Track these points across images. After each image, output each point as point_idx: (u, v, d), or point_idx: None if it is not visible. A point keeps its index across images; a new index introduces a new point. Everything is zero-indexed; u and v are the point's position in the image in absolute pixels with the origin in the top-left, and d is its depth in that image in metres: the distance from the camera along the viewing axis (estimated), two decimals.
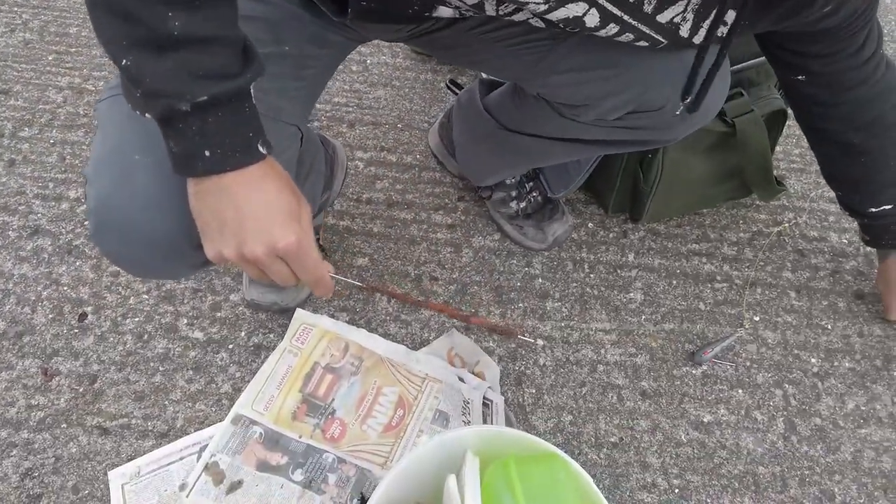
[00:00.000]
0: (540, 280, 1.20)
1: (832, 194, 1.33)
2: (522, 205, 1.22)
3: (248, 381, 1.00)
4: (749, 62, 1.08)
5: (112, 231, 0.65)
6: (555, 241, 1.21)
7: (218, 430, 0.96)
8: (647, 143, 0.91)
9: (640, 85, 0.79)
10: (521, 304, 1.16)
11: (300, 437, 0.96)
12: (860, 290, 1.20)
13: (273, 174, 0.62)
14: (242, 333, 1.08)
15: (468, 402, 1.00)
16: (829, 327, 1.15)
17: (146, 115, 0.57)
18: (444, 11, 0.74)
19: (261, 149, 0.60)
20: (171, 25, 0.53)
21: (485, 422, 0.99)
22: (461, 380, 1.02)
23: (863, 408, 1.06)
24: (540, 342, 1.11)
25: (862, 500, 0.97)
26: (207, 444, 0.94)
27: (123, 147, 0.64)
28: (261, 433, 0.96)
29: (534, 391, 1.06)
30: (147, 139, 0.62)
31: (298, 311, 1.08)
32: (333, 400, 1.00)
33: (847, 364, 1.11)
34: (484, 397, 1.01)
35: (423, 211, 1.27)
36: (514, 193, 1.21)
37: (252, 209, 0.59)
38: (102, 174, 0.65)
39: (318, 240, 1.13)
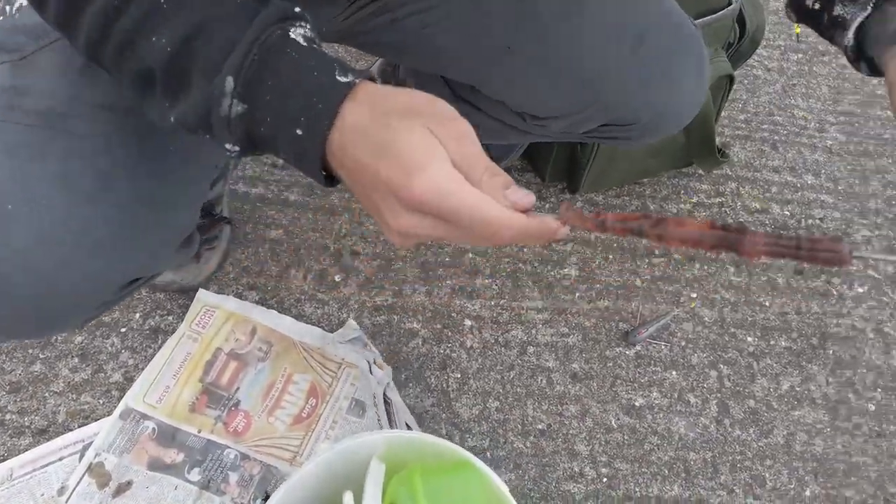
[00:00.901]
0: (470, 255, 1.12)
1: (776, 163, 1.29)
2: None
3: (143, 370, 0.91)
4: (695, 21, 1.00)
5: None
6: None
7: (104, 426, 0.86)
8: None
9: (614, 94, 0.71)
10: (449, 282, 1.08)
11: (199, 431, 0.88)
12: (800, 265, 1.16)
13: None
14: (137, 316, 0.97)
15: (375, 397, 0.92)
16: (767, 304, 1.11)
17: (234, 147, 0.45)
18: None
19: (342, 79, 0.43)
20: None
21: (389, 422, 0.91)
22: (370, 369, 0.94)
23: (797, 388, 1.03)
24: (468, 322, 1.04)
25: (792, 486, 0.94)
26: (92, 442, 0.85)
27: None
28: (153, 428, 0.87)
29: (459, 376, 0.99)
30: (28, 184, 0.50)
31: (201, 291, 0.97)
32: (238, 389, 0.91)
33: (783, 343, 1.07)
34: (384, 394, 0.94)
35: None
36: None
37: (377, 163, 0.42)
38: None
39: (220, 211, 1.02)
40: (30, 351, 0.92)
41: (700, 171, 1.25)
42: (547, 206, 1.19)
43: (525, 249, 1.13)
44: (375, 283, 1.06)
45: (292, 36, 0.43)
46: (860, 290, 1.14)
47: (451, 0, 0.70)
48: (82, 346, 0.94)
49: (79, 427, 0.87)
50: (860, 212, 1.24)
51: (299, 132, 0.42)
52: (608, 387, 1.00)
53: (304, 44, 0.43)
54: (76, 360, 0.92)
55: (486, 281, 1.09)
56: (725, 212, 1.22)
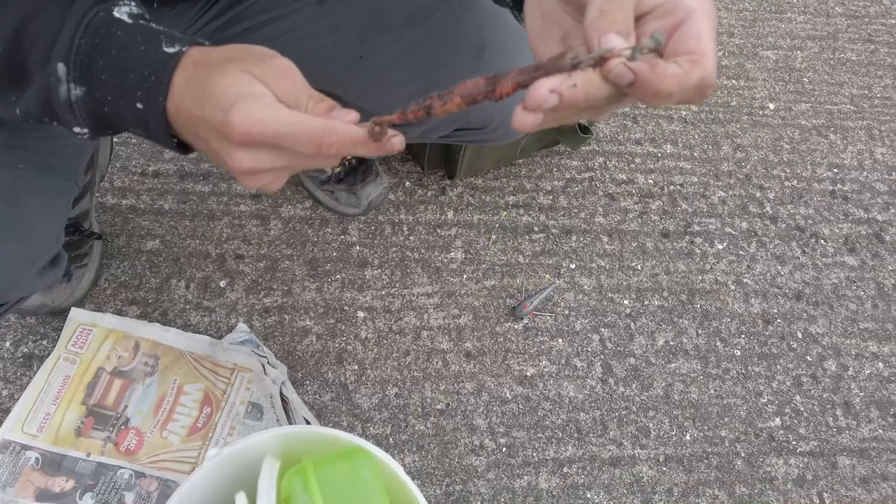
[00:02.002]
0: (357, 248, 1.13)
1: (638, 135, 1.38)
2: (337, 169, 1.13)
3: (18, 399, 0.86)
4: None
5: None
6: (370, 205, 1.14)
7: None
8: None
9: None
10: (338, 276, 1.09)
11: (88, 455, 0.85)
12: (665, 228, 1.25)
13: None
14: (7, 343, 0.92)
15: (272, 397, 0.92)
16: (639, 268, 1.19)
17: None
18: None
19: (168, 49, 0.44)
20: None
21: (287, 420, 0.92)
22: (264, 370, 0.94)
23: (671, 343, 1.11)
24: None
25: (674, 432, 1.02)
26: None
27: None
28: (37, 458, 0.83)
29: (356, 367, 1.00)
30: None
31: (73, 310, 0.93)
32: (126, 407, 0.89)
33: (656, 302, 1.15)
34: (280, 393, 0.94)
35: (221, 181, 1.15)
36: None
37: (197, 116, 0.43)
38: None
39: (88, 226, 0.98)
40: None
41: (569, 148, 1.32)
42: (429, 193, 1.22)
43: (411, 237, 1.15)
44: (263, 285, 1.06)
45: (117, 15, 0.44)
46: (720, 246, 1.24)
47: (302, 10, 0.71)
48: None
49: None
50: (715, 174, 1.34)
51: (140, 106, 0.43)
52: (500, 361, 1.04)
53: (130, 21, 0.44)
54: None
55: (376, 272, 1.11)
56: (595, 185, 1.29)
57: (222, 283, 1.05)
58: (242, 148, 0.41)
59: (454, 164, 1.17)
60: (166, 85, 0.42)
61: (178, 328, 0.97)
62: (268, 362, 0.95)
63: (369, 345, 1.03)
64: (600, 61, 0.36)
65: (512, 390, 1.02)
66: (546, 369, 1.05)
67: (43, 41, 0.44)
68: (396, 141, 0.43)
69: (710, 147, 1.39)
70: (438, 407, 0.99)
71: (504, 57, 0.73)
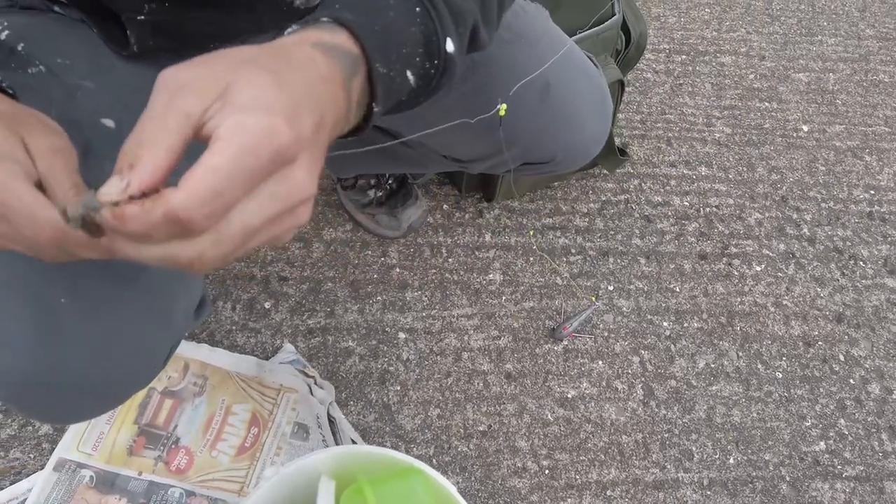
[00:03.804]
0: (398, 270, 1.14)
1: (672, 158, 1.39)
2: (379, 193, 1.15)
3: None
4: (585, 33, 1.07)
5: (41, 398, 0.53)
6: (410, 228, 1.16)
7: (38, 481, 0.83)
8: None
9: (531, 138, 0.74)
10: (379, 298, 1.10)
11: (140, 473, 0.86)
12: (703, 250, 1.25)
13: None
14: None
15: (318, 418, 0.93)
16: (678, 290, 1.19)
17: None
18: None
19: None
20: None
21: (334, 440, 0.93)
22: (311, 391, 0.95)
23: (712, 365, 1.10)
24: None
25: (717, 455, 1.01)
26: (26, 499, 0.82)
27: (38, 288, 0.50)
28: (91, 476, 0.85)
29: (398, 388, 1.01)
30: (71, 274, 0.49)
31: None
32: (176, 427, 0.90)
33: (696, 324, 1.15)
34: (328, 414, 0.95)
35: None
36: (373, 181, 1.15)
37: None
38: (9, 325, 0.51)
39: None
40: None
41: (605, 172, 1.33)
42: (467, 215, 1.23)
43: (450, 259, 1.16)
44: (306, 306, 1.07)
45: None
46: (758, 268, 1.23)
47: None
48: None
49: (10, 485, 0.83)
50: (750, 196, 1.35)
51: None
52: (541, 383, 1.05)
53: None
54: (0, 415, 0.89)
55: (416, 293, 1.12)
56: (631, 207, 1.30)
57: (267, 305, 1.07)
58: None
59: (492, 187, 1.18)
60: None
61: (225, 349, 0.99)
62: (315, 382, 0.97)
63: (411, 366, 1.04)
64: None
65: (553, 412, 1.02)
66: (587, 391, 1.05)
67: None
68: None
69: (745, 169, 1.39)
70: (480, 428, 0.99)
71: (569, 98, 0.74)
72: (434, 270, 1.15)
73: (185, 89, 0.34)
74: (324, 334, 1.05)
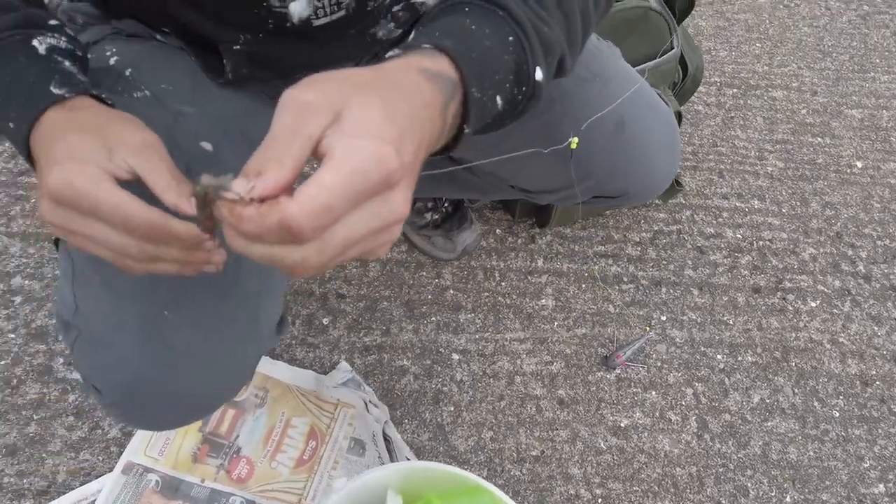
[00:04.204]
0: (451, 291, 1.16)
1: (725, 190, 1.39)
2: (436, 216, 1.18)
3: None
4: (644, 65, 1.09)
5: (141, 404, 0.57)
6: (464, 251, 1.18)
7: (107, 482, 0.85)
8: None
9: (603, 173, 0.76)
10: (433, 318, 1.12)
11: (203, 480, 0.88)
12: (756, 283, 1.24)
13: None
14: None
15: (374, 436, 0.95)
16: (731, 322, 1.19)
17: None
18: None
19: (55, 90, 0.46)
20: None
21: (390, 459, 0.94)
22: (367, 408, 0.97)
23: (767, 400, 1.09)
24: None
25: (773, 493, 1.00)
26: (95, 500, 0.84)
27: (144, 299, 0.54)
28: (157, 481, 0.87)
29: (452, 409, 1.02)
30: (174, 287, 0.52)
31: None
32: (238, 437, 0.92)
33: (750, 358, 1.14)
34: (383, 432, 0.96)
35: None
36: (430, 204, 1.17)
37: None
38: (116, 334, 0.55)
39: None
40: (23, 413, 0.91)
41: (657, 201, 1.34)
42: (519, 240, 1.25)
43: (503, 283, 1.18)
44: (363, 324, 1.09)
45: (33, 44, 0.48)
46: (812, 304, 1.23)
47: None
48: (76, 405, 0.93)
49: (80, 486, 0.86)
50: (804, 231, 1.34)
51: (11, 126, 0.46)
52: (594, 410, 1.05)
53: (44, 52, 0.48)
54: (71, 418, 0.92)
55: (469, 315, 1.13)
56: (684, 238, 1.30)
57: (325, 321, 1.09)
58: (52, 201, 0.42)
59: (547, 214, 1.20)
60: (33, 120, 0.45)
61: (285, 362, 1.01)
62: (370, 401, 0.98)
63: (464, 387, 1.05)
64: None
65: (606, 441, 1.02)
66: (640, 421, 1.05)
67: None
68: (217, 260, 0.43)
69: (799, 204, 1.39)
70: (533, 453, 1.00)
71: (642, 135, 0.76)
72: (487, 293, 1.17)
73: (308, 111, 0.37)
74: (379, 352, 1.07)
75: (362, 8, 0.63)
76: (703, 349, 1.15)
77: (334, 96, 0.38)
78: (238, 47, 0.63)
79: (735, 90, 1.62)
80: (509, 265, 1.21)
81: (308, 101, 0.38)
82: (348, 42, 0.66)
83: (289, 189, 0.37)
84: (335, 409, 0.97)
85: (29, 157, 0.47)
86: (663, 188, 0.83)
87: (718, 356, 1.14)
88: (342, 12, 0.62)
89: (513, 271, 1.20)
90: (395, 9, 0.66)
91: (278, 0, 0.57)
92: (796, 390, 1.11)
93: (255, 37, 0.62)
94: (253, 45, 0.62)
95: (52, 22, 0.50)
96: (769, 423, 1.07)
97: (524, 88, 0.51)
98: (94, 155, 0.42)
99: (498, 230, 1.26)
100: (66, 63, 0.48)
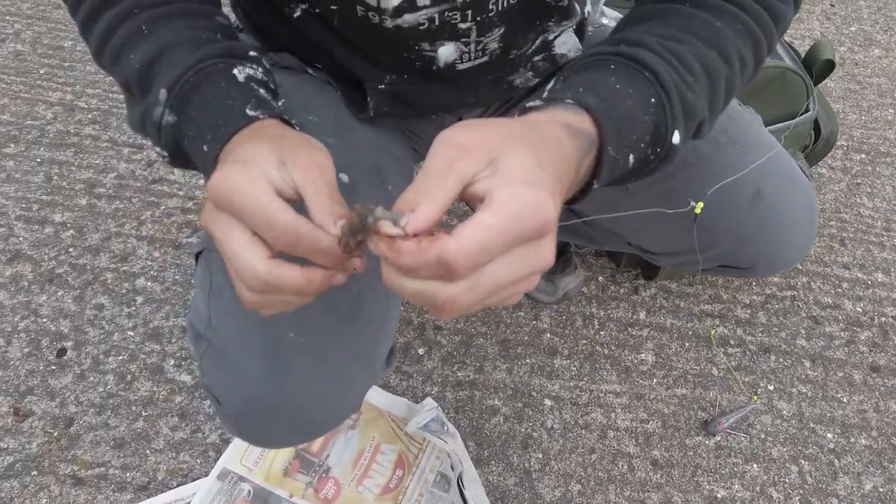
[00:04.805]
0: (548, 335, 1.14)
1: (846, 259, 1.31)
2: None
3: None
4: (774, 126, 1.06)
5: (257, 421, 0.59)
6: (565, 295, 1.16)
7: (202, 487, 0.88)
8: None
9: (734, 243, 0.73)
10: (528, 360, 1.10)
11: (291, 496, 0.89)
12: (875, 362, 1.16)
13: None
14: None
15: (450, 481, 0.94)
16: (845, 400, 1.11)
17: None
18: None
19: (250, 112, 0.48)
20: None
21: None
22: (449, 456, 0.95)
23: (880, 489, 1.01)
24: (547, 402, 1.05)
25: None
26: (189, 502, 0.87)
27: (272, 320, 0.56)
28: (249, 491, 0.89)
29: (541, 455, 1.00)
30: (302, 311, 0.55)
31: None
32: (328, 456, 0.93)
33: (864, 441, 1.06)
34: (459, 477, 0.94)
35: None
36: None
37: None
38: (243, 350, 0.57)
39: None
40: (133, 408, 0.96)
41: None
42: (622, 290, 1.22)
43: (601, 332, 1.15)
44: (457, 358, 1.09)
45: (233, 72, 0.50)
46: None
47: None
48: (182, 406, 0.97)
49: (177, 486, 0.89)
50: None
51: (205, 148, 0.47)
52: (690, 476, 1.00)
53: (242, 80, 0.50)
54: (176, 419, 0.96)
55: (565, 362, 1.11)
56: (798, 305, 1.23)
57: (421, 351, 1.09)
58: (212, 204, 0.42)
59: (655, 267, 1.17)
60: (226, 138, 0.46)
61: (379, 387, 1.02)
62: (450, 451, 0.96)
63: (555, 435, 1.03)
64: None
65: None
66: (738, 494, 0.99)
67: (166, 71, 0.50)
68: (356, 262, 0.42)
69: None
70: None
71: (780, 207, 0.72)
72: (585, 341, 1.14)
73: (462, 154, 0.38)
74: (471, 388, 1.06)
75: (505, 55, 0.64)
76: (812, 425, 1.08)
77: (488, 143, 0.39)
78: (382, 86, 0.65)
79: (863, 156, 1.54)
80: (609, 314, 1.18)
81: (463, 144, 0.39)
82: (486, 87, 0.68)
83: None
84: (424, 440, 0.97)
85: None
86: (795, 264, 0.80)
87: (829, 435, 1.07)
88: (486, 58, 0.63)
89: (613, 321, 1.18)
90: (536, 59, 0.67)
91: (429, 44, 0.59)
92: None
93: (399, 77, 0.64)
94: (397, 84, 0.65)
95: (252, 54, 0.53)
96: None
97: (658, 150, 0.50)
98: (263, 163, 0.42)
99: (600, 277, 1.24)
100: (262, 91, 0.51)
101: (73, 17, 0.55)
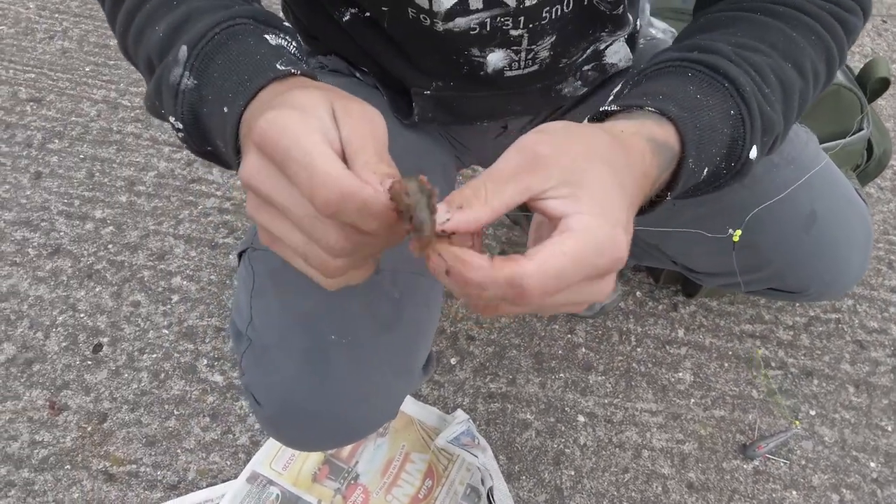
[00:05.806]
0: (583, 350, 1.12)
1: (894, 283, 1.27)
2: None
3: (270, 437, 0.93)
4: (826, 144, 1.02)
5: (295, 423, 0.59)
6: (602, 309, 1.14)
7: (231, 489, 0.88)
8: None
9: (785, 266, 0.71)
10: (562, 375, 1.08)
11: (320, 502, 0.89)
12: None
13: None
14: None
15: (480, 496, 0.92)
16: (890, 429, 1.07)
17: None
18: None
19: (280, 66, 0.42)
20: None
21: None
22: (479, 471, 0.93)
23: None
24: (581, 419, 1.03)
25: None
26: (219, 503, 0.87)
27: (314, 321, 0.56)
28: (278, 495, 0.88)
29: (573, 473, 0.98)
30: (343, 314, 0.54)
31: None
32: (357, 463, 0.93)
33: None
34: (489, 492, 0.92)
35: None
36: None
37: None
38: (283, 351, 0.57)
39: None
40: (166, 406, 0.96)
41: None
42: (660, 307, 1.19)
43: (638, 349, 1.13)
44: (490, 370, 1.08)
45: (265, 35, 0.45)
46: None
47: None
48: (213, 407, 0.97)
49: (207, 486, 0.89)
50: None
51: (225, 109, 0.41)
52: (726, 501, 0.97)
53: (272, 42, 0.44)
54: (207, 419, 0.96)
55: (600, 378, 1.09)
56: (842, 329, 1.20)
57: (453, 361, 1.08)
58: (255, 150, 0.36)
59: (695, 284, 1.14)
60: (253, 93, 0.40)
61: (410, 396, 1.01)
62: (479, 465, 0.94)
63: (587, 452, 1.00)
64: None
65: None
66: None
67: (192, 29, 0.44)
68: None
69: None
70: None
71: (836, 231, 0.70)
72: (621, 357, 1.12)
73: (537, 167, 0.36)
74: (503, 401, 1.04)
75: (555, 64, 0.63)
76: (854, 453, 1.04)
77: (569, 159, 0.36)
78: (428, 93, 0.64)
79: None
80: (647, 331, 1.16)
81: (542, 155, 0.36)
82: (533, 95, 0.67)
83: (478, 232, 0.36)
84: (453, 452, 0.95)
85: (231, 144, 0.41)
86: (848, 290, 0.76)
87: (872, 464, 1.03)
88: (535, 66, 0.62)
89: (650, 338, 1.15)
90: (586, 68, 0.66)
91: (479, 49, 0.58)
92: None
93: (446, 84, 0.63)
94: (443, 90, 0.64)
95: (287, 25, 0.48)
96: None
97: (732, 164, 0.49)
98: (317, 110, 0.36)
99: (638, 293, 1.21)
100: (296, 53, 0.47)
101: (102, 5, 0.52)
